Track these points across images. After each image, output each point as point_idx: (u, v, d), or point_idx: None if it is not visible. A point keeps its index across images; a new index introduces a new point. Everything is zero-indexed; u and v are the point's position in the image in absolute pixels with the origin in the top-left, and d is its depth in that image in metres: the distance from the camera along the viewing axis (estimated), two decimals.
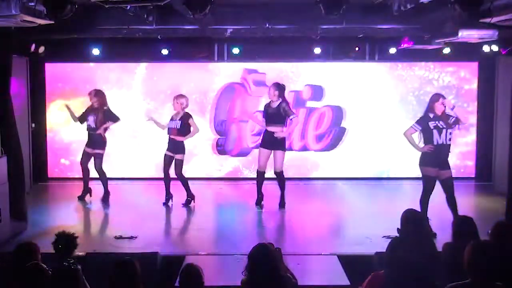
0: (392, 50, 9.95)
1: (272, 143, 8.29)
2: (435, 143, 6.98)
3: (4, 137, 7.13)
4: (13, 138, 7.40)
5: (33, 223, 7.52)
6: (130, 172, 10.47)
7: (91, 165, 8.80)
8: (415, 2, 5.89)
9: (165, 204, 8.59)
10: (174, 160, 8.49)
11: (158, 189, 9.75)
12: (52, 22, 5.92)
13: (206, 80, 10.43)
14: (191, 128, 8.44)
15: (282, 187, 8.47)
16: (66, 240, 4.62)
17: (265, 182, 10.25)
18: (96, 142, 8.68)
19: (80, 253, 5.34)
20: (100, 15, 7.33)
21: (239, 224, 7.93)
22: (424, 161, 7.09)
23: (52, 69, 10.42)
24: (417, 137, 7.11)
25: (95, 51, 9.92)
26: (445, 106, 6.97)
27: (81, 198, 8.90)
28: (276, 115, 8.20)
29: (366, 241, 6.88)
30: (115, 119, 8.77)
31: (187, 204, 8.53)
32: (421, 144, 7.06)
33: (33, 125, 10.17)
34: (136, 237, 7.06)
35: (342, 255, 6.31)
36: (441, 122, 6.96)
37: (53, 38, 8.46)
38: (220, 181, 10.31)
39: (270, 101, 8.32)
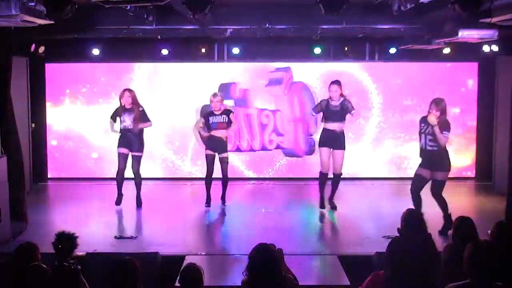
0: (392, 50, 9.95)
1: (333, 141, 8.12)
2: (420, 144, 7.22)
3: (4, 137, 7.13)
4: (13, 138, 7.40)
5: (33, 223, 7.52)
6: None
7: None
8: (415, 2, 5.89)
9: (207, 206, 8.45)
10: (220, 159, 8.38)
11: (159, 189, 9.77)
12: (52, 22, 5.92)
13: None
14: (231, 124, 8.44)
15: (335, 189, 8.34)
16: (66, 240, 4.62)
17: (264, 182, 10.33)
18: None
19: (80, 253, 5.34)
20: (100, 15, 7.33)
21: (240, 224, 7.93)
22: (420, 162, 7.31)
23: (52, 69, 10.42)
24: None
25: (95, 51, 9.91)
26: (433, 111, 7.02)
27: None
28: (339, 112, 8.04)
29: (366, 241, 6.88)
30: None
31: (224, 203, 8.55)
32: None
33: (33, 125, 10.17)
34: (136, 237, 7.06)
35: (342, 255, 6.31)
36: (428, 128, 7.09)
37: (53, 38, 8.46)
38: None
39: (328, 99, 8.10)
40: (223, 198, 8.55)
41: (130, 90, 8.41)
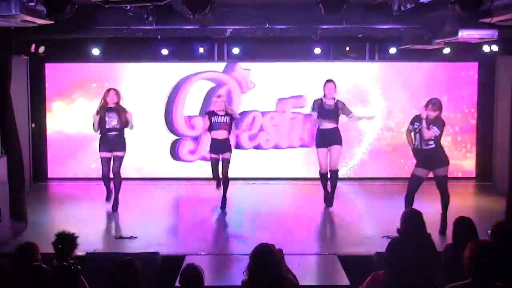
0: (392, 50, 9.95)
1: (329, 139, 8.15)
2: (415, 145, 7.11)
3: (4, 137, 7.13)
4: (13, 138, 7.40)
5: (33, 223, 7.52)
6: (131, 172, 10.47)
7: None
8: (415, 2, 5.90)
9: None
10: (221, 160, 8.31)
11: (158, 189, 9.77)
12: (52, 22, 5.92)
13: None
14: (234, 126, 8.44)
15: (334, 186, 8.33)
16: (66, 240, 4.62)
17: (260, 182, 10.30)
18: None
19: (80, 253, 5.34)
20: (100, 15, 7.34)
21: (240, 224, 7.93)
22: (417, 162, 7.21)
23: (52, 69, 10.42)
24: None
25: (95, 51, 9.91)
26: (429, 111, 6.96)
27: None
28: (332, 112, 8.08)
29: (366, 241, 6.88)
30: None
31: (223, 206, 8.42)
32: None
33: (33, 125, 10.17)
34: (136, 237, 7.06)
35: (342, 255, 6.31)
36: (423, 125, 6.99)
37: (53, 38, 8.46)
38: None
39: (321, 98, 8.13)
40: (223, 202, 8.34)
41: (115, 89, 8.23)
